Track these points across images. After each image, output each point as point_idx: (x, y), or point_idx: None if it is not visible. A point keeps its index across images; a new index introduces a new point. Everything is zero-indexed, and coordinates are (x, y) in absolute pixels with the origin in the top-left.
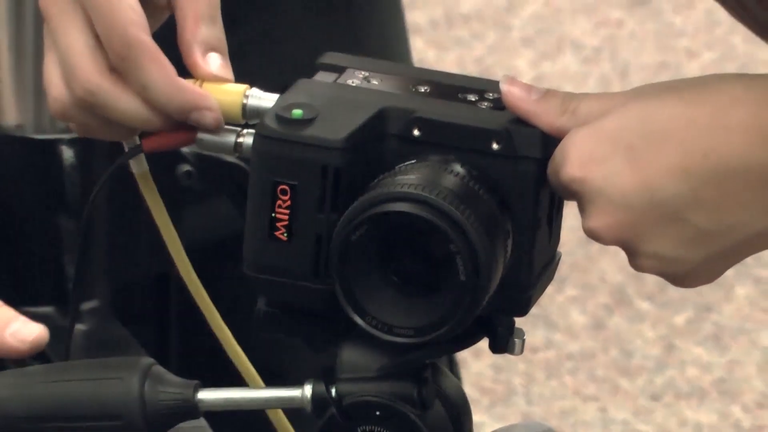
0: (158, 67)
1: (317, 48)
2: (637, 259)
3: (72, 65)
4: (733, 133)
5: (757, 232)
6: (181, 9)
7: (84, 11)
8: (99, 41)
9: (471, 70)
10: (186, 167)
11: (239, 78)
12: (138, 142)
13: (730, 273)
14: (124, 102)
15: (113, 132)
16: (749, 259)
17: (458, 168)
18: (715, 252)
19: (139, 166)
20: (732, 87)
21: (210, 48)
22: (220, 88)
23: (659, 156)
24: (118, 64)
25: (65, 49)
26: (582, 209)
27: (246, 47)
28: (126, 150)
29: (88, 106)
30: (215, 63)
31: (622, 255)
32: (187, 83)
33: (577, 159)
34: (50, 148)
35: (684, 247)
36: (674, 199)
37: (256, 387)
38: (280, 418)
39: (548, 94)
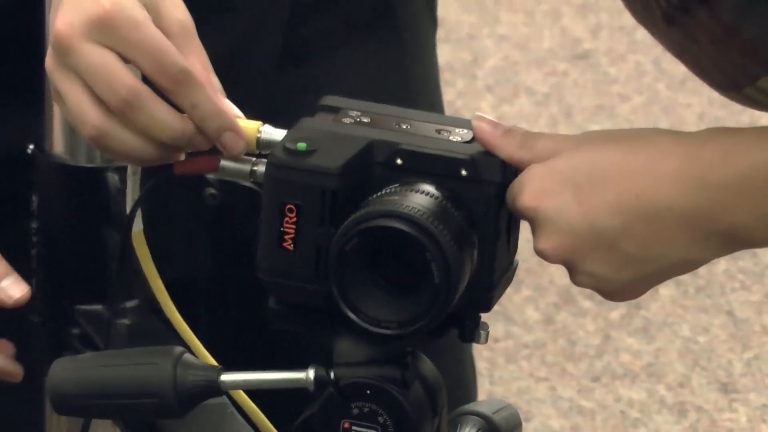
0: (207, 90)
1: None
2: (576, 276)
3: (81, 113)
4: (662, 180)
5: (676, 262)
6: (194, 53)
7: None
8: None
9: (444, 111)
10: (211, 190)
11: (305, 113)
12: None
13: None
14: (160, 109)
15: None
16: None
17: (433, 190)
18: (640, 275)
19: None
20: (663, 141)
21: (221, 91)
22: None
23: (600, 194)
24: (173, 89)
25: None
26: (534, 232)
27: (310, 86)
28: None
29: (132, 110)
30: (232, 107)
31: None
32: (229, 107)
33: (532, 191)
34: (99, 174)
35: (615, 269)
36: (609, 231)
37: (269, 371)
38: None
39: (511, 130)
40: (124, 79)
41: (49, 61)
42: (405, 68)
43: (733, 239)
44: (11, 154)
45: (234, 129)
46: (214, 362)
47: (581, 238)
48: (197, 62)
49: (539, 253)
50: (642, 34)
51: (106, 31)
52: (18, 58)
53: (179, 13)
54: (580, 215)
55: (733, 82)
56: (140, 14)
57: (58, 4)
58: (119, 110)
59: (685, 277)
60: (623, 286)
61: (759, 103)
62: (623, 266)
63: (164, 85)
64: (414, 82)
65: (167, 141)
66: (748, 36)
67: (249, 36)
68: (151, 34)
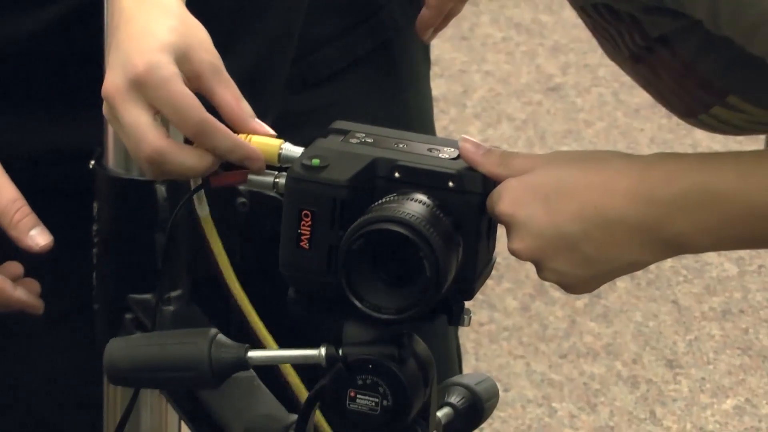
0: (222, 133)
1: (373, 112)
2: (542, 272)
3: (138, 138)
4: (616, 195)
5: (626, 263)
6: (218, 95)
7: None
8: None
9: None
10: (242, 199)
11: (314, 130)
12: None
13: None
14: (186, 158)
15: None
16: None
17: (425, 199)
18: (595, 273)
19: (202, 210)
20: (618, 162)
21: (252, 115)
22: (264, 142)
23: (564, 205)
24: (194, 138)
25: (130, 125)
26: (508, 235)
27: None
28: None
29: (156, 163)
30: (262, 126)
31: None
32: (243, 141)
33: (507, 200)
34: (148, 186)
35: (575, 268)
36: (571, 235)
37: (288, 348)
38: (291, 374)
39: (490, 150)
40: (150, 139)
41: (105, 110)
42: (400, 96)
43: (674, 246)
44: (77, 161)
45: (250, 156)
46: (267, 335)
47: (548, 241)
48: (228, 94)
49: (512, 252)
50: (603, 70)
51: (140, 90)
52: (80, 70)
53: (207, 55)
54: (547, 222)
55: (690, 110)
56: (168, 73)
57: (109, 48)
58: (149, 162)
59: (637, 272)
60: (581, 281)
61: (711, 127)
62: (582, 265)
63: (187, 135)
64: (408, 108)
65: (195, 176)
66: (703, 72)
67: (263, 62)
68: (176, 92)
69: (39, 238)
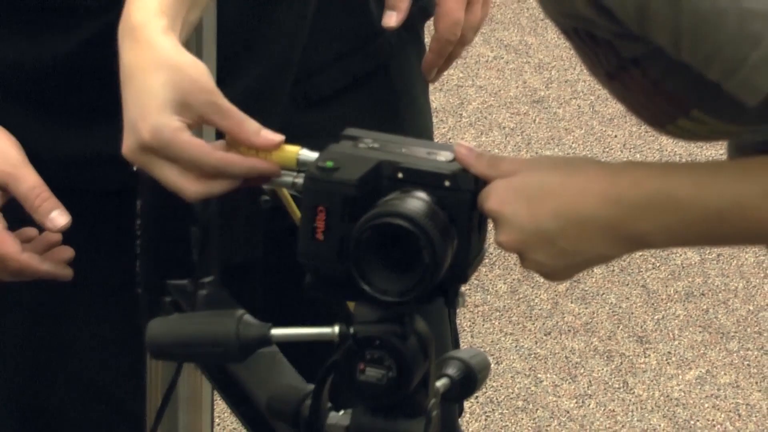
0: (237, 164)
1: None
2: (524, 262)
3: (177, 189)
4: (589, 197)
5: (596, 256)
6: (222, 127)
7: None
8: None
9: (437, 140)
10: (265, 197)
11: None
12: None
13: None
14: (222, 186)
15: None
16: None
17: (425, 196)
18: (570, 264)
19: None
20: (592, 168)
21: (257, 131)
22: (284, 150)
23: (544, 205)
24: (215, 175)
25: (163, 179)
26: (495, 229)
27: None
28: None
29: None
30: (274, 138)
31: None
32: (255, 160)
33: (495, 199)
34: None
35: (552, 259)
36: (550, 231)
37: (306, 327)
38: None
39: (482, 154)
40: (186, 189)
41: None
42: (398, 114)
43: (638, 243)
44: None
45: (265, 171)
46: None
47: (529, 235)
48: (230, 124)
49: (499, 244)
50: (581, 85)
51: (153, 153)
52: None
53: (203, 95)
54: (529, 219)
55: (657, 121)
56: (171, 132)
57: (123, 108)
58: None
59: (642, 265)
60: (558, 271)
61: (676, 135)
62: (558, 257)
63: (208, 177)
64: (405, 123)
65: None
66: (670, 89)
67: (265, 84)
68: (184, 146)
69: (58, 219)
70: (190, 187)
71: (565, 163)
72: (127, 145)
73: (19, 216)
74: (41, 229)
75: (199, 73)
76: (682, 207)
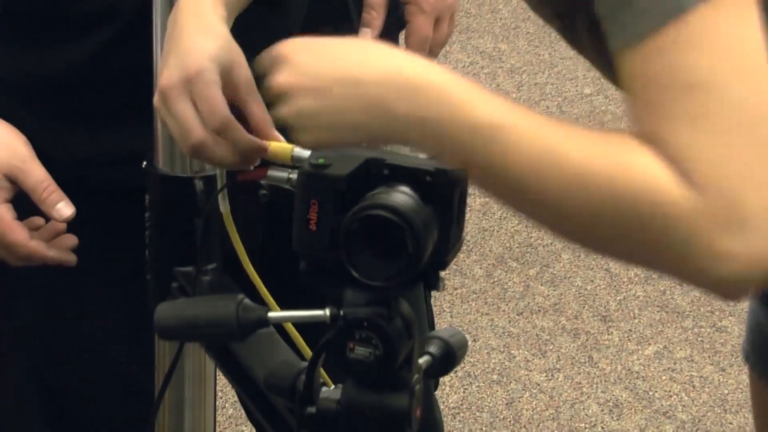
0: (240, 131)
1: None
2: (286, 107)
3: (187, 127)
4: (371, 68)
5: (354, 123)
6: (249, 105)
7: (189, 95)
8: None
9: None
10: (263, 191)
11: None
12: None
13: (558, 245)
14: (219, 150)
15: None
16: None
17: (408, 191)
18: (328, 122)
19: (224, 206)
20: (384, 49)
21: (272, 125)
22: (280, 146)
23: (330, 60)
24: (218, 131)
25: (180, 116)
26: (275, 71)
27: None
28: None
29: (198, 151)
30: (277, 134)
31: (502, 237)
32: (253, 137)
33: (288, 46)
34: (189, 181)
35: (316, 109)
36: (326, 81)
37: (300, 310)
38: (292, 331)
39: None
40: (195, 129)
41: (156, 101)
42: None
43: (392, 127)
44: (133, 161)
45: (260, 148)
46: (271, 300)
47: (306, 79)
48: (257, 107)
49: (272, 85)
50: (549, 88)
51: (188, 86)
52: (130, 87)
53: (245, 73)
54: (311, 65)
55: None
56: (211, 78)
57: (167, 55)
58: (193, 149)
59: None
60: (314, 124)
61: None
62: (322, 110)
63: (213, 128)
64: None
65: (226, 166)
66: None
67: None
68: (212, 93)
69: (64, 210)
70: (199, 131)
71: (357, 41)
72: (168, 76)
73: (27, 207)
74: (47, 219)
75: (245, 59)
76: (451, 106)
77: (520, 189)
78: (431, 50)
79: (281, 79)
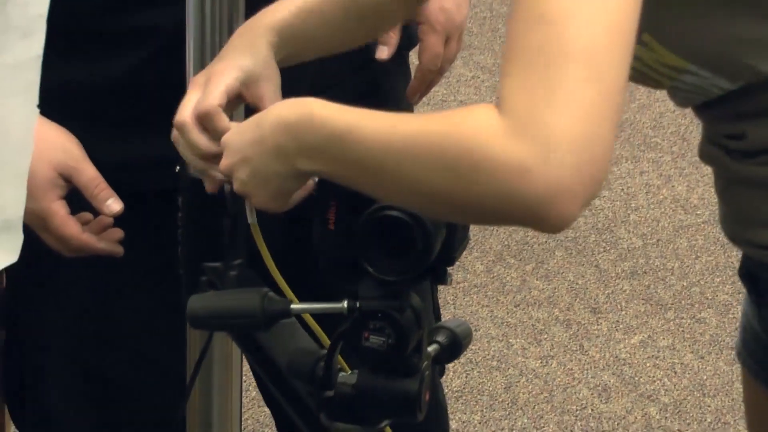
0: (221, 123)
1: None
2: (235, 184)
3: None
4: (267, 123)
5: (275, 172)
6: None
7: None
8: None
9: None
10: None
11: None
12: None
13: (552, 243)
14: (194, 135)
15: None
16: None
17: None
18: (261, 181)
19: (252, 218)
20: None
21: None
22: None
23: (248, 134)
24: (199, 119)
25: (184, 100)
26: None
27: None
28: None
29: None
30: None
31: (501, 236)
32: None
33: (230, 133)
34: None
35: (249, 177)
36: (247, 152)
37: (320, 302)
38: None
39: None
40: (180, 111)
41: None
42: None
43: (292, 161)
44: (166, 165)
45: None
46: (293, 296)
47: (236, 157)
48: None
49: (221, 168)
50: None
51: (205, 81)
52: (166, 96)
53: (272, 88)
54: (238, 144)
55: None
56: (225, 77)
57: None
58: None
59: (570, 246)
60: (252, 187)
61: (632, 70)
62: (252, 175)
63: (197, 114)
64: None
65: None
66: None
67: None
68: (214, 86)
69: (113, 205)
70: (181, 114)
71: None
72: (198, 74)
73: (79, 203)
74: (96, 213)
75: (274, 74)
76: (316, 126)
77: (376, 173)
78: (442, 66)
79: (224, 163)
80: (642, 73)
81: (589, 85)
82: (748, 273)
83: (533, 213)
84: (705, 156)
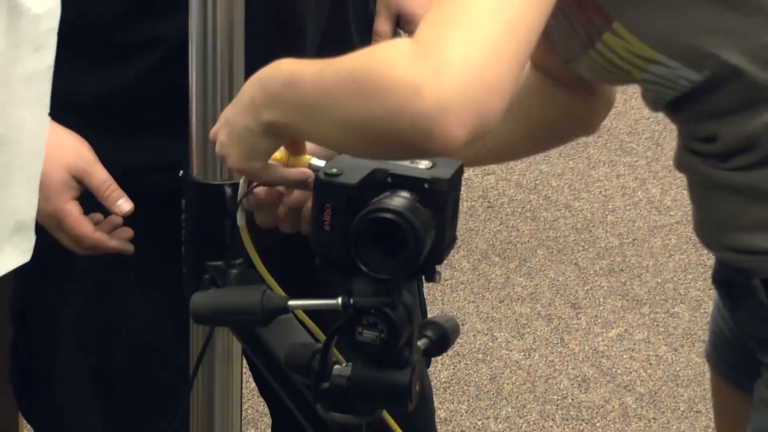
0: (266, 175)
1: None
2: (217, 147)
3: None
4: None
5: (245, 127)
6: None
7: None
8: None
9: None
10: None
11: None
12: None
13: (534, 243)
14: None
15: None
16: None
17: (409, 195)
18: (235, 139)
19: (241, 220)
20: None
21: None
22: (300, 158)
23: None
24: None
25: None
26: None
27: None
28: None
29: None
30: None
31: (486, 236)
32: (280, 171)
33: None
34: (219, 188)
35: (226, 136)
36: (227, 114)
37: (316, 299)
38: (306, 320)
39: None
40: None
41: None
42: None
43: (258, 113)
44: (170, 169)
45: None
46: (282, 292)
47: (220, 122)
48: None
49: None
50: None
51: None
52: (175, 103)
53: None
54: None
55: (590, 39)
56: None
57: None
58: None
59: (551, 245)
60: (227, 145)
61: (602, 57)
62: (229, 135)
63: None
64: None
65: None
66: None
67: None
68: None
69: (124, 205)
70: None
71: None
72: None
73: (91, 204)
74: (106, 214)
75: None
76: (277, 75)
77: (314, 113)
78: None
79: (212, 131)
80: (611, 62)
81: (492, 16)
82: (722, 279)
83: (420, 129)
84: (681, 164)
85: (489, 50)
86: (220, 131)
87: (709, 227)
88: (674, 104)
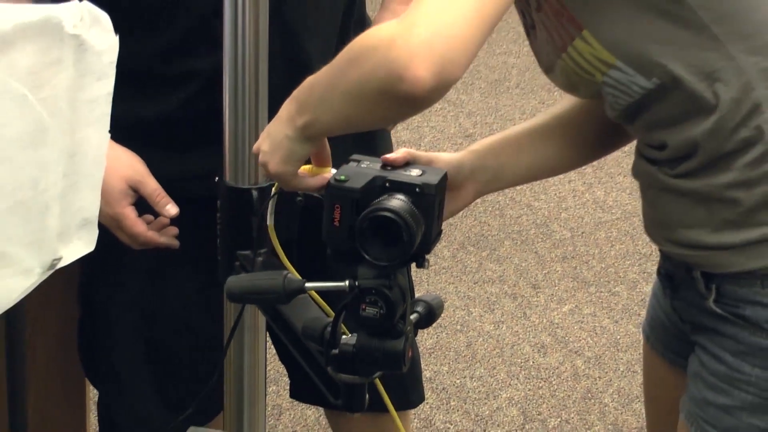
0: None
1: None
2: (261, 156)
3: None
4: (281, 116)
5: (285, 136)
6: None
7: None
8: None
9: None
10: (300, 198)
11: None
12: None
13: (502, 235)
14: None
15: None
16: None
17: (404, 198)
18: (275, 147)
19: (270, 219)
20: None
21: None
22: (324, 170)
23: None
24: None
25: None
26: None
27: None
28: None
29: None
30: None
31: (463, 229)
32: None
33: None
34: (247, 191)
35: (268, 145)
36: (269, 127)
37: (327, 281)
38: (319, 299)
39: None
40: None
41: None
42: (372, 141)
43: (298, 120)
44: (207, 177)
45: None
46: (300, 278)
47: (262, 137)
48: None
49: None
50: (497, 126)
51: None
52: (211, 123)
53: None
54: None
55: (562, 45)
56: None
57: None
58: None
59: (515, 235)
60: (268, 153)
61: (572, 61)
62: (271, 145)
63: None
64: (375, 147)
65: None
66: (569, 8)
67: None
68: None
69: (171, 209)
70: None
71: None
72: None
73: (144, 208)
74: (155, 215)
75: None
76: (303, 86)
77: (332, 102)
78: None
79: (255, 146)
80: (579, 65)
81: None
82: (665, 273)
83: (395, 74)
84: (637, 172)
85: (455, 13)
86: (263, 143)
87: (658, 225)
88: (630, 112)
